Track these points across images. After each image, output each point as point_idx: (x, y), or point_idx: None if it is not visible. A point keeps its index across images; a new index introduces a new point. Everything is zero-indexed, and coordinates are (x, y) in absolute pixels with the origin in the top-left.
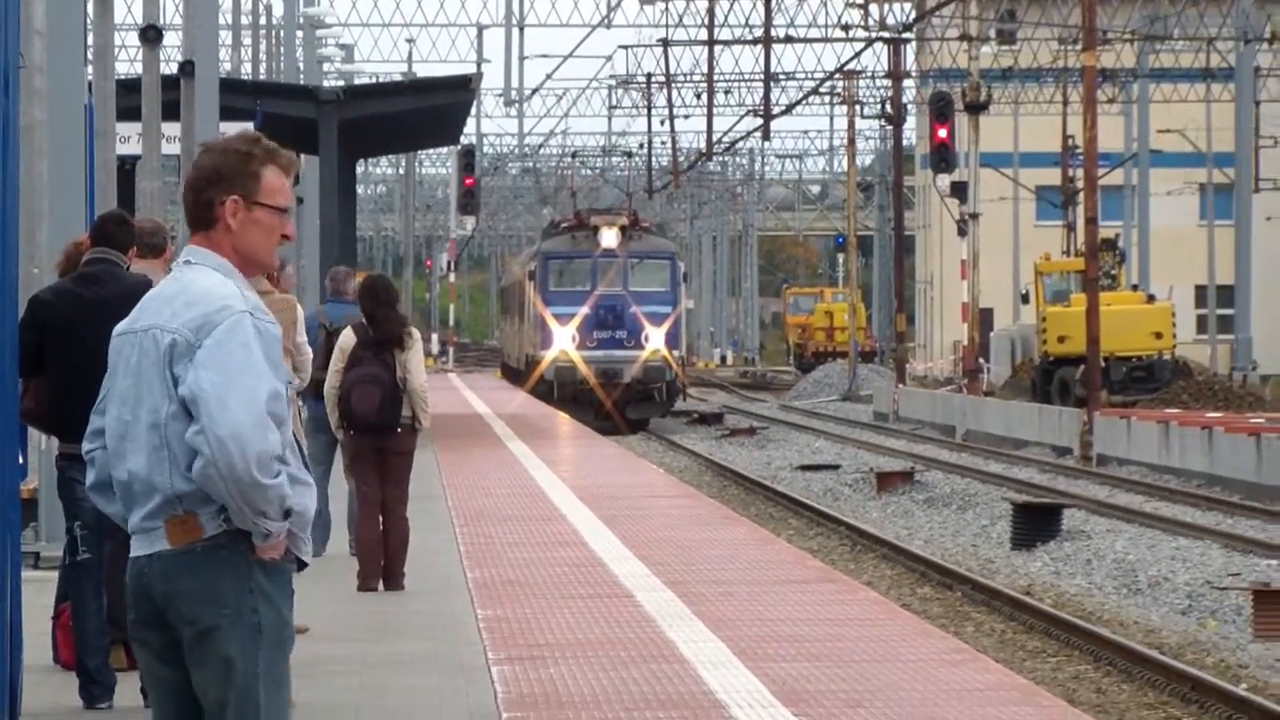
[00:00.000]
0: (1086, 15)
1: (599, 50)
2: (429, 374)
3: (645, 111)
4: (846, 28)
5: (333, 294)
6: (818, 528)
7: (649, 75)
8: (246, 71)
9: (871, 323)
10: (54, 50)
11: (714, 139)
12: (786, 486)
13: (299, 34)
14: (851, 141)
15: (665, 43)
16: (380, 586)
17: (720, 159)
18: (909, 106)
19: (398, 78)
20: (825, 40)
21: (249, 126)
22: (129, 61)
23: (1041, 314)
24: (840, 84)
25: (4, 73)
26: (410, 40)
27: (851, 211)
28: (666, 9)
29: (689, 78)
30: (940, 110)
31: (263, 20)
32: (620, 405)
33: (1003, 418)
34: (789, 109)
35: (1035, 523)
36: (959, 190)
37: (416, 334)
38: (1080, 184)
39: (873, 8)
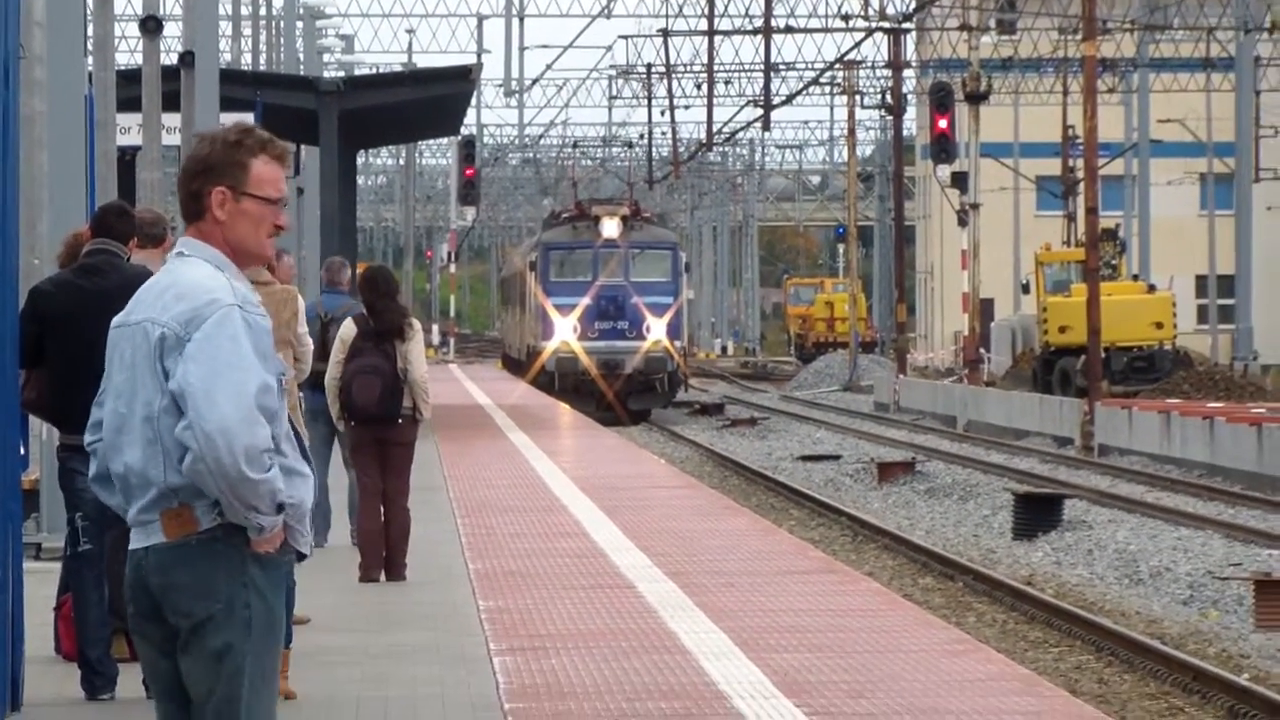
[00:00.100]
0: (1086, 5)
1: (599, 40)
2: (429, 365)
3: (645, 102)
4: (846, 18)
5: (328, 284)
6: (819, 518)
7: (649, 65)
8: (246, 62)
9: (872, 313)
10: (54, 41)
11: (714, 129)
12: (788, 477)
13: (299, 24)
14: (852, 132)
15: (665, 33)
16: (382, 577)
17: (720, 149)
18: (909, 97)
19: (398, 68)
20: (825, 30)
21: (249, 117)
22: (129, 52)
23: (1042, 304)
24: (840, 74)
25: (4, 63)
26: (410, 31)
27: (852, 202)
28: None
29: (689, 68)
30: (940, 100)
31: (263, 11)
32: (621, 396)
33: (1004, 408)
34: (789, 99)
35: (1037, 513)
36: (959, 180)
37: (417, 325)
38: (1080, 174)
39: None
